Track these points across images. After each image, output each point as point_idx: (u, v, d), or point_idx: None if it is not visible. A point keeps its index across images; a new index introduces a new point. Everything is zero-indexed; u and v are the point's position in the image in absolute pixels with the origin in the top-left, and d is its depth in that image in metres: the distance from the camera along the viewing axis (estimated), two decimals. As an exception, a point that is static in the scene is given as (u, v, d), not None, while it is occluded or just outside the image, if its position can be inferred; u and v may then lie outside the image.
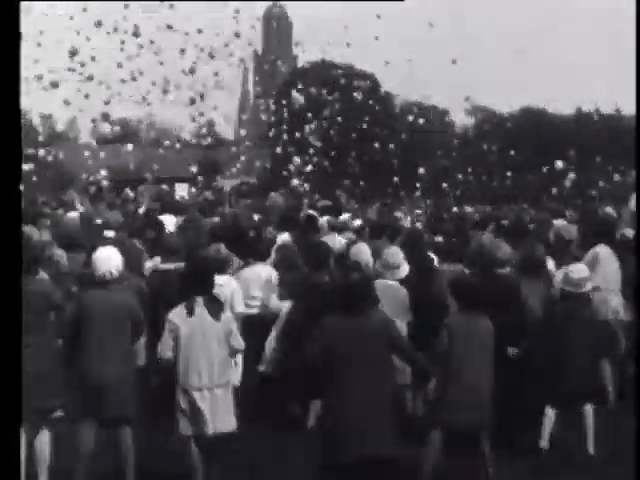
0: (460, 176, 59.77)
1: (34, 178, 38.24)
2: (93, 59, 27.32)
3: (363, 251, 11.23)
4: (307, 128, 48.25)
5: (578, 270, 10.02)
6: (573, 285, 9.91)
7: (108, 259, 8.45)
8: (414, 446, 8.57)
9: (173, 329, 8.06)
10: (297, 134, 50.66)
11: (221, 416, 8.14)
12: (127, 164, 54.67)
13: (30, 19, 26.06)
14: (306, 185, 39.80)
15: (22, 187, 7.26)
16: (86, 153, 50.80)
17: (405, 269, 10.83)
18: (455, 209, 24.70)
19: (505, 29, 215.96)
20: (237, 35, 30.53)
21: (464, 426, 8.75)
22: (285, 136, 53.76)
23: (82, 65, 27.21)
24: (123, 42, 27.56)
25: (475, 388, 8.66)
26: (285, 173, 48.12)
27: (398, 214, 19.69)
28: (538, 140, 65.65)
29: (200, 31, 29.08)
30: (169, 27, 27.79)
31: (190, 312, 8.04)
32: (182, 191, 38.08)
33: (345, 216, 17.78)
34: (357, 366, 7.47)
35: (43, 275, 9.23)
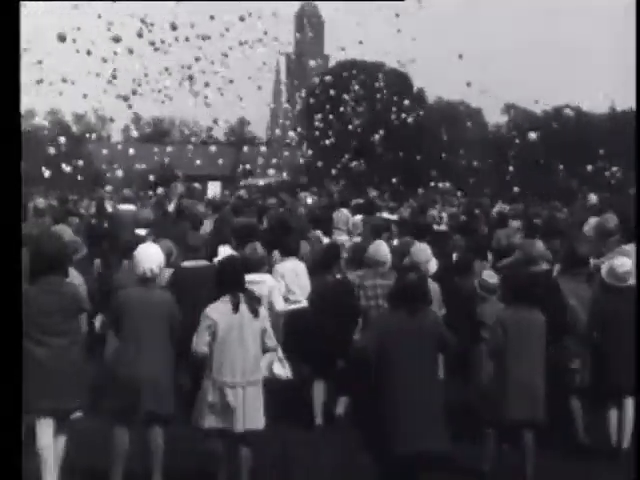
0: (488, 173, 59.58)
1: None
2: (116, 53, 27.24)
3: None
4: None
5: (623, 264, 9.84)
6: (618, 279, 9.77)
7: (149, 256, 8.43)
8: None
9: (211, 324, 8.03)
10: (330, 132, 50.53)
11: (251, 414, 8.08)
12: (159, 163, 54.81)
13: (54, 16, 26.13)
14: (338, 184, 39.62)
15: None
16: (117, 151, 50.87)
17: (434, 265, 11.07)
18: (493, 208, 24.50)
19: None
20: (266, 34, 30.53)
21: (518, 422, 8.72)
22: (318, 134, 53.68)
23: (114, 72, 27.26)
24: (153, 43, 27.53)
25: (529, 384, 8.68)
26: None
27: (433, 212, 19.55)
28: (573, 139, 65.17)
29: (228, 30, 29.01)
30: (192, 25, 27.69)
31: (236, 308, 8.04)
32: (214, 189, 38.04)
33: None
34: (411, 362, 7.63)
35: (73, 274, 9.22)
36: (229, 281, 8.23)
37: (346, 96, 54.57)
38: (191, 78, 29.81)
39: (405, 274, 8.24)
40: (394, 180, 53.15)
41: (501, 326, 8.69)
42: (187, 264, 10.80)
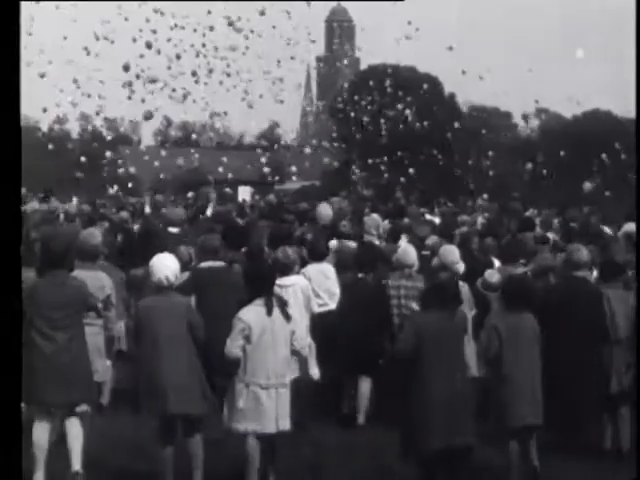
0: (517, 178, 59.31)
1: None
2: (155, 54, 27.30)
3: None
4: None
5: None
6: None
7: (164, 265, 8.58)
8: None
9: (244, 328, 8.19)
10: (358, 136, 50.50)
11: (283, 415, 8.27)
12: (190, 167, 54.92)
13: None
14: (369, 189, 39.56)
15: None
16: (148, 156, 51.04)
17: (462, 266, 11.19)
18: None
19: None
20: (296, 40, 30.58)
21: (521, 428, 8.78)
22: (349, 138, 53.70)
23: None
24: (193, 45, 27.61)
25: (528, 388, 8.75)
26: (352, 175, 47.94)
27: (464, 217, 19.47)
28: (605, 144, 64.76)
29: (260, 35, 29.01)
30: (230, 24, 27.58)
31: (269, 311, 8.23)
32: (245, 194, 38.06)
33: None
34: (446, 360, 8.01)
35: (102, 276, 9.68)
36: (262, 285, 8.41)
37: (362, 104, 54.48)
38: (221, 83, 29.78)
39: (437, 275, 8.71)
40: (421, 186, 52.99)
41: (496, 333, 8.70)
42: (204, 265, 10.92)
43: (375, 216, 16.26)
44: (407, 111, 53.27)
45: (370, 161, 58.49)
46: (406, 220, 17.41)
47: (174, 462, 8.39)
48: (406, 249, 11.49)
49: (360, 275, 11.22)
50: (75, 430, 8.35)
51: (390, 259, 11.74)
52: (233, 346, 8.18)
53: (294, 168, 57.91)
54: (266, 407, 8.16)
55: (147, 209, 21.52)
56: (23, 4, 6.24)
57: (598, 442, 9.82)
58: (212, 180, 38.89)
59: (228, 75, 29.02)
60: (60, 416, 8.43)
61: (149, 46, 26.08)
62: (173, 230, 13.69)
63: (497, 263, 12.15)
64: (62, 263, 8.37)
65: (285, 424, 8.27)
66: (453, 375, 8.05)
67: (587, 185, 21.73)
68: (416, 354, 8.00)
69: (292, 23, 30.56)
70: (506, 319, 8.81)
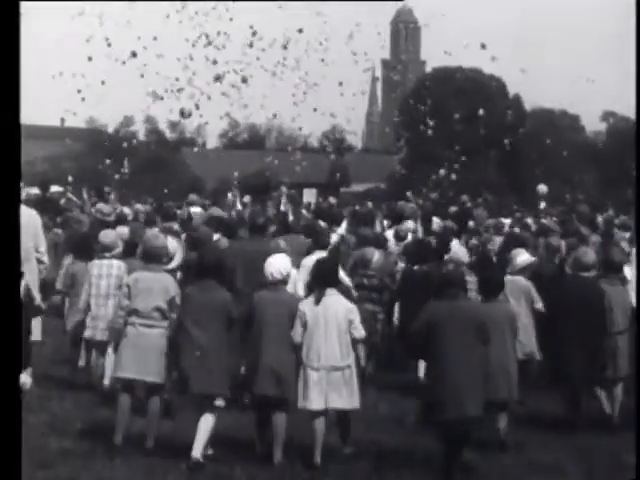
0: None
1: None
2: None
3: (459, 249, 13.30)
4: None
5: None
6: None
7: (271, 264, 9.53)
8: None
9: (301, 316, 9.18)
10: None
11: (337, 394, 9.11)
12: (255, 170, 55.08)
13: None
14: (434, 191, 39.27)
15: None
16: (213, 158, 51.27)
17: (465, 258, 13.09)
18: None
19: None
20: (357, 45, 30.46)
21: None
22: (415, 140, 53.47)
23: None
24: (252, 44, 27.59)
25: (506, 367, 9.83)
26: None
27: (529, 220, 19.33)
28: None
29: (327, 40, 28.96)
30: (300, 31, 27.59)
31: (318, 301, 9.21)
32: (310, 196, 37.97)
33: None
34: (458, 340, 8.79)
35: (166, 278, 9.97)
36: (319, 278, 9.47)
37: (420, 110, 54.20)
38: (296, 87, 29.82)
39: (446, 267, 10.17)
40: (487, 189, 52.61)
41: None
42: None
43: (436, 219, 17.36)
44: (480, 111, 52.78)
45: (435, 164, 58.26)
46: (471, 223, 18.34)
47: (264, 437, 9.32)
48: (455, 247, 13.20)
49: (415, 267, 12.64)
50: (209, 419, 9.00)
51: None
52: (295, 333, 9.20)
53: (359, 171, 57.87)
54: (315, 387, 9.06)
55: (238, 206, 22.31)
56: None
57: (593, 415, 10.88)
58: (287, 182, 39.03)
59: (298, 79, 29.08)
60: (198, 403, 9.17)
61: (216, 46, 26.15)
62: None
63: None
64: (212, 275, 9.29)
65: (336, 403, 9.07)
66: (465, 352, 8.78)
67: (542, 188, 22.92)
68: (431, 336, 8.84)
69: (357, 26, 30.49)
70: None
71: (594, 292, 10.95)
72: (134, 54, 26.12)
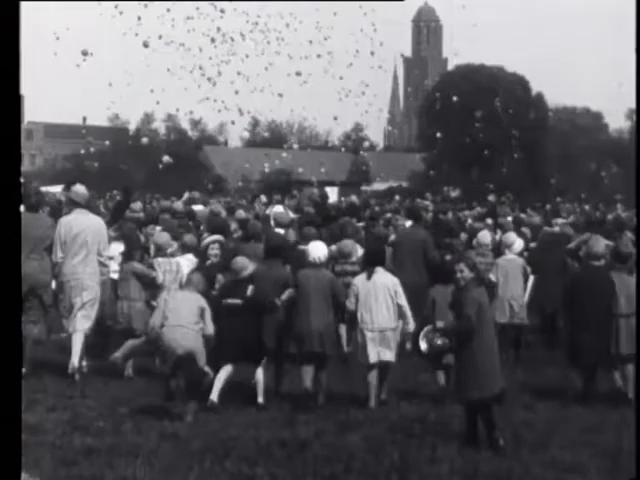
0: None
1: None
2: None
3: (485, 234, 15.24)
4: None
5: None
6: None
7: (316, 249, 11.48)
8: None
9: (354, 289, 11.19)
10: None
11: (388, 349, 11.05)
12: (277, 168, 55.08)
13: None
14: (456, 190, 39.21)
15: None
16: (234, 156, 51.28)
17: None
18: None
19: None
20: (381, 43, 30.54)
21: None
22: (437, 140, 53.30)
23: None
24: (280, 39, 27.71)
25: None
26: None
27: (560, 220, 19.36)
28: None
29: (353, 34, 28.99)
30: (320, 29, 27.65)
31: (369, 276, 11.20)
32: (332, 195, 37.94)
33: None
34: (489, 324, 9.62)
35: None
36: (369, 259, 11.69)
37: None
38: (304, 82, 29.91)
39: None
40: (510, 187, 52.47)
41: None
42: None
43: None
44: (498, 107, 52.69)
45: (457, 162, 58.15)
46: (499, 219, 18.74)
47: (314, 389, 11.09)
48: (485, 233, 15.13)
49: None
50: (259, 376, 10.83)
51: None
52: (350, 302, 11.21)
53: (380, 169, 57.78)
54: (370, 344, 11.06)
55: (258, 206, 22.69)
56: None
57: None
58: (314, 181, 39.05)
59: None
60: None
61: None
62: (280, 231, 14.63)
63: None
64: (277, 255, 11.74)
65: (386, 356, 10.98)
66: (488, 338, 9.53)
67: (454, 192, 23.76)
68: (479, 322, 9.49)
69: (379, 24, 30.52)
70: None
71: (603, 280, 11.91)
72: (146, 45, 26.28)
